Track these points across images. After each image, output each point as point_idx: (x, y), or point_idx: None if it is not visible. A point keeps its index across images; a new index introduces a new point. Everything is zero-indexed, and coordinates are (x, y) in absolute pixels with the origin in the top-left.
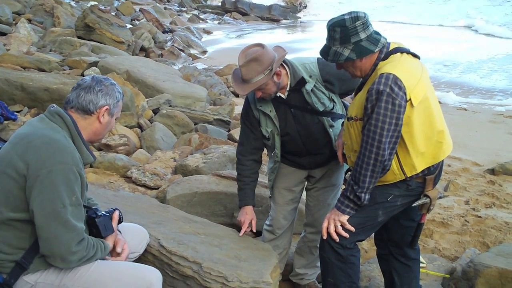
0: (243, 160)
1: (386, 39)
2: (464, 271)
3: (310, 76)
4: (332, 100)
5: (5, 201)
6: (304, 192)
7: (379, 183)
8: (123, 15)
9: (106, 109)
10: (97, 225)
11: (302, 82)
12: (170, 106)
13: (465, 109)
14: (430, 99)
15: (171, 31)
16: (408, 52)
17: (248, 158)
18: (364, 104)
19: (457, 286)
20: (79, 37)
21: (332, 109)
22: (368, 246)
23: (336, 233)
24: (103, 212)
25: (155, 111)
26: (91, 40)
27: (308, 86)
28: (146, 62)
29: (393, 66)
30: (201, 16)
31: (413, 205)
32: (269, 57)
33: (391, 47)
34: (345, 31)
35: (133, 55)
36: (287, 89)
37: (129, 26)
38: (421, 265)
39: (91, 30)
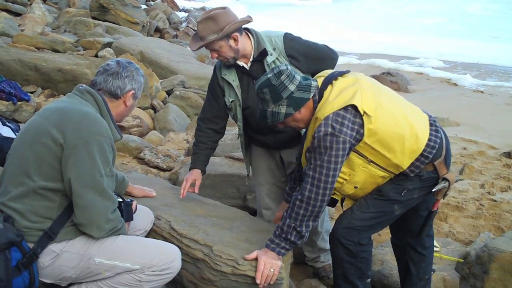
0: (202, 127)
1: (316, 81)
2: (478, 255)
3: (274, 49)
4: None
5: (38, 170)
6: None
7: (389, 180)
8: None
9: (132, 93)
10: (122, 210)
11: (264, 53)
12: (184, 87)
13: (482, 92)
14: (384, 102)
15: (186, 11)
16: (336, 77)
17: (208, 126)
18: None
19: (471, 271)
20: (93, 18)
21: None
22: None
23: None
24: (126, 199)
25: (169, 92)
26: (106, 21)
27: (270, 58)
28: (161, 43)
29: (328, 104)
30: None
31: (433, 190)
32: (226, 19)
33: (319, 84)
34: (274, 90)
35: (147, 36)
36: (250, 59)
37: (143, 6)
38: (435, 249)
39: (105, 11)
